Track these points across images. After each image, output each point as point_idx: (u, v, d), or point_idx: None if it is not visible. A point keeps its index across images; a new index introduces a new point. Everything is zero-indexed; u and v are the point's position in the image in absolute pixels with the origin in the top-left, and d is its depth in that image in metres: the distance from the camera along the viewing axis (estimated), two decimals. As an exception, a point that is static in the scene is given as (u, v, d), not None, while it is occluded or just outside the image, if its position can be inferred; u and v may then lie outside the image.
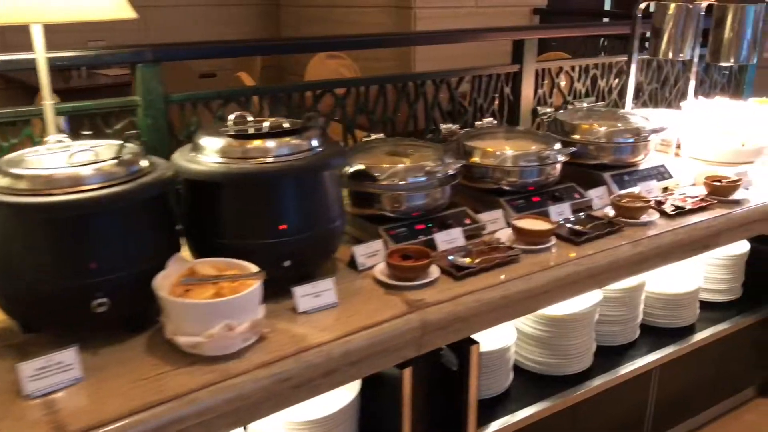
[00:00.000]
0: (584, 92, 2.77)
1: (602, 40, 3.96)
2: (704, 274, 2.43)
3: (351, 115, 2.18)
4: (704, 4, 2.33)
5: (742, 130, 2.38)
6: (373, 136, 1.98)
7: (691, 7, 2.34)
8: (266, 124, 1.49)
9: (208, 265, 1.34)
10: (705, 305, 2.45)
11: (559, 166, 1.99)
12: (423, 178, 1.72)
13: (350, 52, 3.75)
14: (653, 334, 2.25)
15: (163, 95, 1.78)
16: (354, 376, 1.37)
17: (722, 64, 2.65)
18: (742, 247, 2.49)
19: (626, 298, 2.09)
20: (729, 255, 2.40)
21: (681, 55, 2.41)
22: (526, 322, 1.98)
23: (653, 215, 1.93)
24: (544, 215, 1.87)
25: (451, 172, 1.76)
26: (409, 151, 1.90)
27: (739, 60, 2.24)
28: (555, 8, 4.62)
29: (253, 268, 1.31)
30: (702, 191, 2.10)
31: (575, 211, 1.95)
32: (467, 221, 1.79)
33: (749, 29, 2.20)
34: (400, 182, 1.69)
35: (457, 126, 2.10)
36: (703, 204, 2.01)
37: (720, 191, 2.08)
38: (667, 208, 1.97)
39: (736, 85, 3.27)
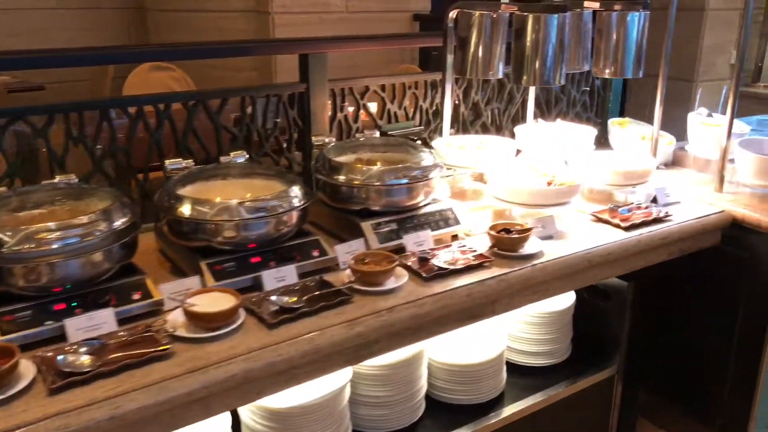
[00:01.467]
0: (405, 115, 2.38)
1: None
2: (517, 333, 2.06)
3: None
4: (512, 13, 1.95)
5: (554, 165, 2.00)
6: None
7: (494, 16, 1.96)
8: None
9: None
10: (522, 371, 2.07)
11: (294, 217, 1.59)
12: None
13: (184, 62, 3.33)
14: (443, 412, 1.87)
15: None
16: None
17: (526, 85, 2.29)
18: (566, 299, 2.12)
19: (389, 375, 1.70)
20: (545, 312, 2.03)
21: (491, 72, 2.03)
22: (250, 416, 1.58)
23: (402, 279, 1.53)
24: (259, 281, 1.47)
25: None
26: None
27: (545, 80, 1.86)
28: (440, 14, 4.24)
29: None
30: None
31: (313, 273, 1.56)
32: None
33: (552, 42, 1.82)
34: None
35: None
36: (478, 262, 1.63)
37: (505, 244, 1.70)
38: (424, 269, 1.58)
39: (601, 103, 2.91)
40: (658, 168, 2.43)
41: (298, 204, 1.60)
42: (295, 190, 1.63)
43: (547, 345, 2.05)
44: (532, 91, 2.43)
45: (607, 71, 2.11)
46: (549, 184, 1.87)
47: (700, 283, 2.20)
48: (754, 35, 4.64)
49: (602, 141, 2.68)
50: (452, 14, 2.09)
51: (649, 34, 2.12)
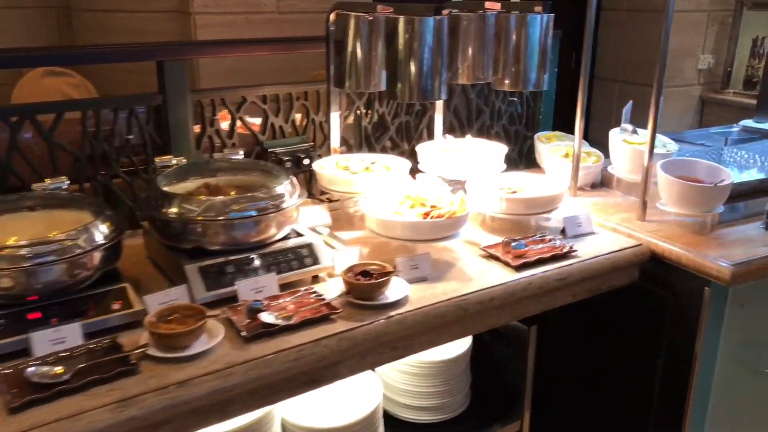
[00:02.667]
0: (295, 130, 2.10)
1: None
2: (399, 384, 1.78)
3: None
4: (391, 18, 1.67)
5: (438, 191, 1.72)
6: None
7: (370, 19, 1.68)
8: None
9: None
10: (407, 428, 1.80)
11: (95, 259, 1.31)
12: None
13: (82, 67, 3.05)
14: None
15: None
16: None
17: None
18: (460, 344, 1.84)
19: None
20: (430, 362, 1.76)
21: (373, 84, 1.75)
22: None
23: (215, 339, 1.26)
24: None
25: None
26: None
27: (422, 94, 1.58)
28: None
29: None
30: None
31: (116, 330, 1.28)
32: None
33: (428, 48, 1.54)
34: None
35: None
36: (321, 314, 1.35)
37: (359, 291, 1.42)
38: (248, 326, 1.30)
39: (531, 115, 2.63)
40: (582, 189, 2.17)
41: (100, 243, 1.32)
42: (102, 226, 1.35)
43: (436, 399, 1.77)
44: (439, 104, 2.15)
45: (506, 82, 1.83)
46: (426, 215, 1.59)
47: (618, 324, 1.93)
48: (723, 38, 4.37)
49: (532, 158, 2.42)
50: (332, 16, 1.81)
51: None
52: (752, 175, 2.11)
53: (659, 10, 4.14)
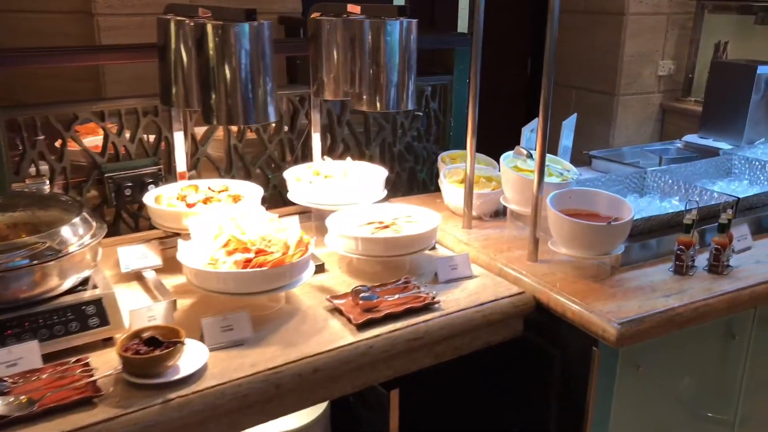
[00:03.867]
0: (145, 151, 1.82)
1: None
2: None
3: None
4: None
5: (267, 228, 1.43)
6: None
7: (191, 24, 1.39)
8: None
9: None
10: None
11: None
12: None
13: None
14: None
15: None
16: None
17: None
18: (315, 409, 1.56)
19: None
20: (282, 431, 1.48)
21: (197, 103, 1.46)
22: None
23: None
24: None
25: None
26: None
27: (235, 117, 1.30)
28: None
29: None
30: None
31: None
32: None
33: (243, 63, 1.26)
34: None
35: None
36: (77, 397, 1.07)
37: (134, 367, 1.14)
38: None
39: (441, 131, 2.35)
40: (481, 219, 1.89)
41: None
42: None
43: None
44: (316, 119, 1.87)
45: (364, 98, 1.54)
46: (247, 263, 1.30)
47: (502, 381, 1.66)
48: (683, 42, 4.10)
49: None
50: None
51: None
52: (672, 205, 1.83)
53: (616, 13, 3.90)
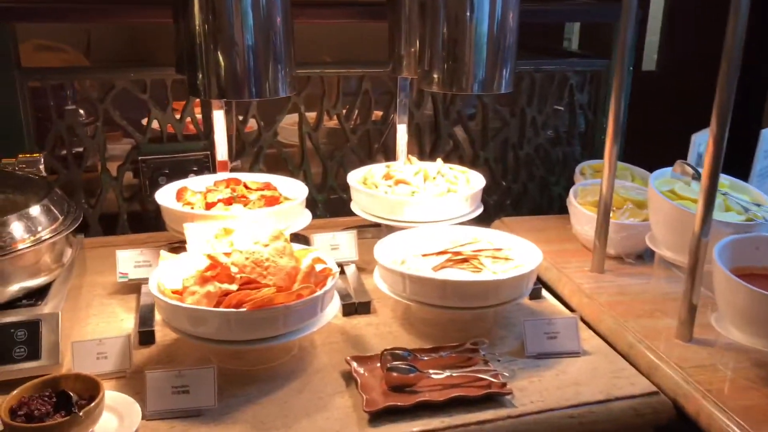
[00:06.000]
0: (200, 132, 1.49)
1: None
2: None
3: None
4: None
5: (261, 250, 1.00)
6: None
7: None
8: None
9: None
10: None
11: None
12: None
13: None
14: None
15: None
16: None
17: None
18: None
19: None
20: None
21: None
22: None
23: None
24: None
25: None
26: None
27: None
28: None
29: None
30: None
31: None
32: None
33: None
34: None
35: None
36: None
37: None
38: None
39: (589, 134, 1.77)
40: (622, 260, 1.33)
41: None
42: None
43: None
44: (402, 105, 1.42)
45: (434, 78, 1.06)
46: (223, 298, 0.90)
47: None
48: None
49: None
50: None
51: None
52: None
53: None
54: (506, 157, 1.71)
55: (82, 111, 1.47)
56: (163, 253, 1.03)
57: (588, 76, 1.71)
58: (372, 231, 1.42)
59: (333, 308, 1.00)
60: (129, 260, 1.20)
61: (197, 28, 0.91)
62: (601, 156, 1.72)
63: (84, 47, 1.97)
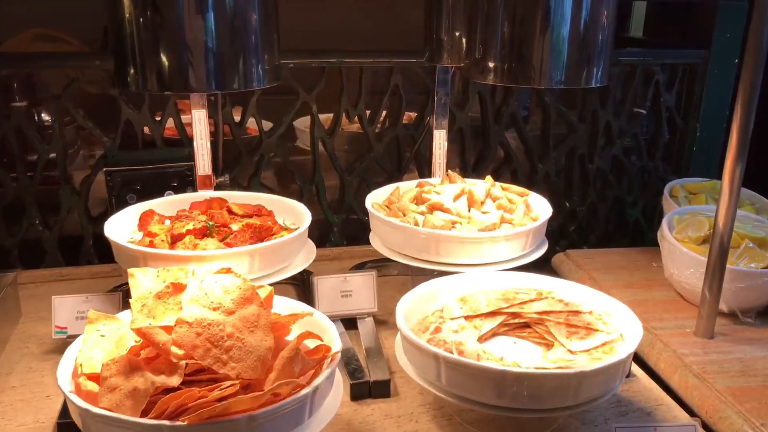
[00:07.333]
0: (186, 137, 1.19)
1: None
2: None
3: None
4: None
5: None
6: None
7: None
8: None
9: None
10: None
11: None
12: None
13: None
14: None
15: None
16: None
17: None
18: None
19: None
20: None
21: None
22: None
23: None
24: None
25: None
26: None
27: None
28: None
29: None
30: None
31: None
32: None
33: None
34: None
35: None
36: None
37: None
38: None
39: (678, 145, 1.40)
40: (738, 318, 0.98)
41: None
42: None
43: None
44: (441, 108, 1.08)
45: (490, 66, 0.73)
46: (173, 408, 0.58)
47: None
48: None
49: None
50: None
51: None
52: None
53: None
54: (572, 172, 1.36)
55: (34, 109, 1.18)
56: (93, 313, 0.72)
57: (680, 71, 1.35)
58: (399, 266, 1.09)
59: (332, 402, 0.67)
60: (69, 309, 0.90)
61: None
62: (692, 174, 1.37)
63: (99, 43, 1.66)
